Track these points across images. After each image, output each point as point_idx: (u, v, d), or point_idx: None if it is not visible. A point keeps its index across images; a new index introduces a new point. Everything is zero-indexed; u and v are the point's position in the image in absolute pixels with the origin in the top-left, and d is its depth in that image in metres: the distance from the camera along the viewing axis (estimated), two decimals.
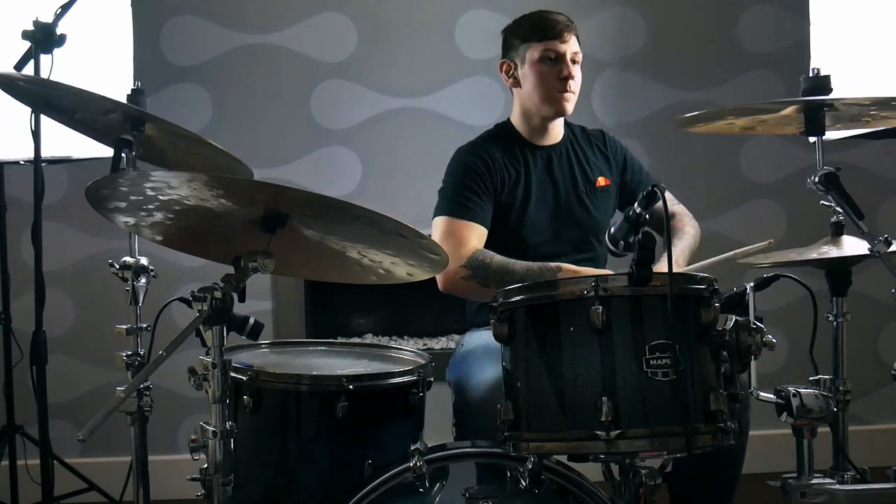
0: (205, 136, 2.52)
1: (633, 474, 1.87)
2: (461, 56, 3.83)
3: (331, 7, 3.81)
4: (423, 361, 2.26)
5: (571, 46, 2.65)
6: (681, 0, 3.94)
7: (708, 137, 3.85)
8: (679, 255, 2.61)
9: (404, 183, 3.78)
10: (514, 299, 1.88)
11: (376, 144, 3.83)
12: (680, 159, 3.89)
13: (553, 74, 2.63)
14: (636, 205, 1.90)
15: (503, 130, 2.76)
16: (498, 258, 2.49)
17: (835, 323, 2.37)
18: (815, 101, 2.16)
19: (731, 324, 1.87)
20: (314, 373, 2.21)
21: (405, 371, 2.18)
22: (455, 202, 2.61)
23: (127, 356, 2.53)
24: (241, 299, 1.84)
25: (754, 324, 1.86)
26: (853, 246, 2.30)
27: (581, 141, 2.80)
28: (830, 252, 2.31)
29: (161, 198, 1.86)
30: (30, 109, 2.58)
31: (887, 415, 3.96)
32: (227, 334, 1.85)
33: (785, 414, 1.95)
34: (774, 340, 1.88)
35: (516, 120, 2.74)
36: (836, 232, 2.37)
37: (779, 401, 1.95)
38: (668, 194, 2.65)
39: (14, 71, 2.50)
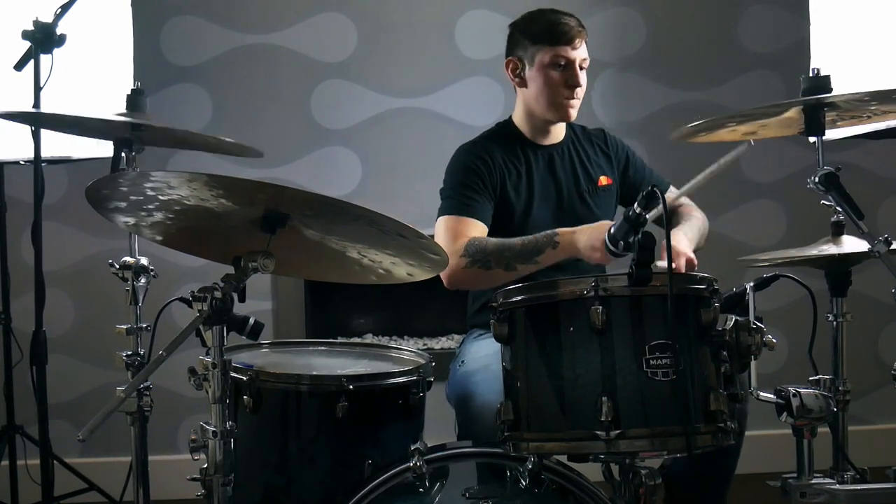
0: (205, 133, 2.52)
1: (632, 474, 1.87)
2: (461, 56, 3.83)
3: (331, 7, 3.81)
4: (423, 361, 2.26)
5: (581, 53, 2.62)
6: (681, 0, 3.94)
7: (709, 142, 3.85)
8: (687, 230, 2.60)
9: (404, 183, 3.78)
10: (514, 299, 1.88)
11: (376, 144, 3.83)
12: (680, 159, 3.86)
13: (561, 81, 2.61)
14: (636, 205, 1.90)
15: (504, 129, 2.76)
16: (494, 239, 2.49)
17: (835, 323, 2.37)
18: (816, 101, 2.16)
19: (731, 324, 1.87)
20: (314, 373, 2.21)
21: (405, 371, 2.18)
22: (456, 201, 2.61)
23: (127, 356, 2.54)
24: (241, 299, 1.84)
25: (754, 324, 1.87)
26: (853, 245, 2.30)
27: (582, 140, 2.79)
28: (830, 250, 2.31)
29: (161, 198, 1.86)
30: (30, 109, 2.59)
31: (887, 415, 3.95)
32: (227, 334, 1.85)
33: (785, 414, 1.95)
34: (774, 340, 1.88)
35: (519, 119, 2.74)
36: (836, 232, 2.37)
37: (779, 401, 1.95)
38: (672, 189, 2.65)
39: (9, 109, 2.50)
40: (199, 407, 1.98)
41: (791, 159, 3.80)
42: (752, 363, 1.89)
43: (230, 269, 1.85)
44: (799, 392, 1.94)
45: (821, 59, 3.60)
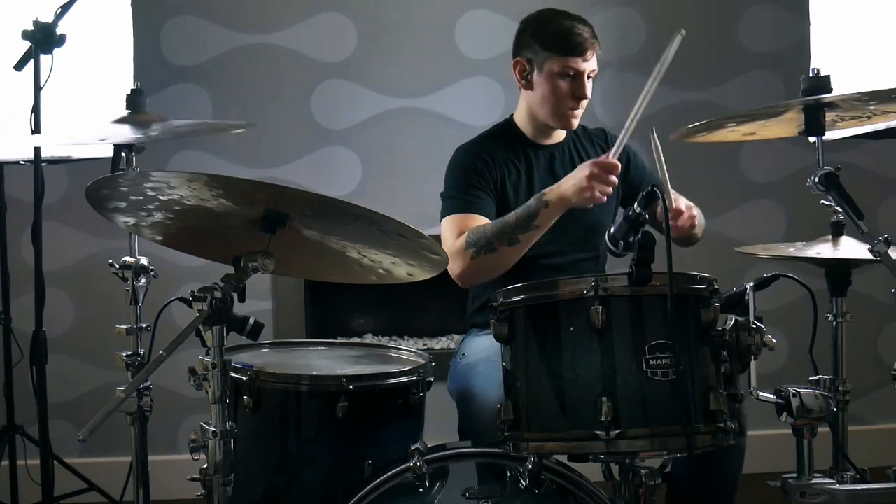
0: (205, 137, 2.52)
1: (633, 474, 1.87)
2: (461, 56, 3.83)
3: (331, 7, 3.81)
4: (423, 361, 2.26)
5: (591, 64, 2.60)
6: (681, 0, 3.94)
7: (709, 142, 3.85)
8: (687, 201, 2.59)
9: (404, 183, 3.77)
10: (514, 299, 1.88)
11: (376, 144, 3.83)
12: (680, 159, 3.85)
13: (568, 92, 2.58)
14: (636, 204, 1.90)
15: (505, 129, 2.75)
16: (489, 223, 2.49)
17: (834, 323, 2.37)
18: (815, 101, 2.16)
19: (731, 324, 1.87)
20: (314, 373, 2.21)
21: (405, 371, 2.18)
22: (458, 200, 2.60)
23: (127, 356, 2.54)
24: (241, 299, 1.84)
25: (754, 324, 1.87)
26: (853, 249, 2.30)
27: (584, 140, 2.79)
28: (829, 252, 2.31)
29: (161, 198, 1.86)
30: (30, 109, 2.59)
31: (887, 415, 3.95)
32: (227, 334, 1.85)
33: (785, 414, 1.95)
34: (774, 340, 1.88)
35: (521, 119, 2.73)
36: (836, 232, 2.37)
37: (779, 401, 1.95)
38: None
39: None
40: (199, 407, 1.98)
41: (791, 159, 3.79)
42: (752, 363, 1.89)
43: (230, 269, 1.85)
44: (799, 392, 1.94)
45: (821, 59, 3.61)
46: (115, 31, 3.51)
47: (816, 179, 2.11)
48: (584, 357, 1.79)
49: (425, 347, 3.85)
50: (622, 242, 1.93)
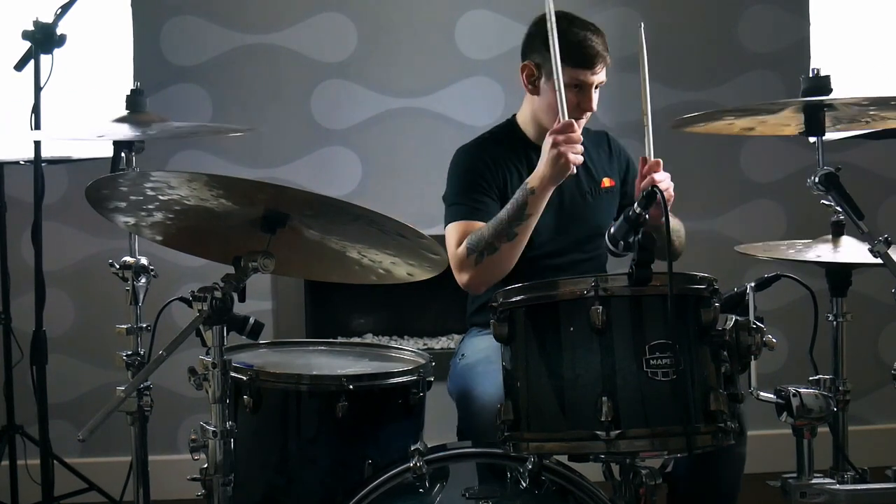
0: (205, 124, 2.51)
1: (633, 474, 1.87)
2: (461, 56, 3.82)
3: (331, 7, 3.81)
4: (423, 361, 2.25)
5: (600, 76, 2.59)
6: (681, 0, 3.94)
7: (708, 137, 3.82)
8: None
9: (404, 183, 3.77)
10: (514, 299, 1.88)
11: (376, 144, 3.83)
12: (680, 159, 3.86)
13: (574, 102, 2.55)
14: (636, 205, 1.90)
15: (507, 130, 2.73)
16: (483, 224, 2.49)
17: (835, 323, 2.37)
18: (815, 102, 2.16)
19: (731, 324, 1.87)
20: (314, 373, 2.21)
21: (405, 371, 2.18)
22: (462, 206, 2.59)
23: (127, 356, 2.54)
24: (241, 299, 1.84)
25: (754, 324, 1.86)
26: (853, 249, 2.30)
27: (586, 142, 2.76)
28: (829, 255, 2.32)
29: (161, 198, 1.86)
30: (30, 109, 2.59)
31: (887, 415, 3.96)
32: (227, 334, 1.85)
33: (785, 414, 1.95)
34: (774, 340, 1.88)
35: (524, 120, 2.71)
36: (836, 232, 2.37)
37: (779, 401, 1.95)
38: None
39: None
40: (199, 407, 1.98)
41: (791, 159, 3.80)
42: (752, 363, 1.89)
43: (230, 269, 1.85)
44: (799, 392, 1.94)
45: (821, 59, 3.61)
46: (115, 31, 3.51)
47: (816, 179, 2.11)
48: (584, 357, 1.79)
49: (425, 347, 3.84)
50: (622, 242, 1.93)
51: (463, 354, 2.63)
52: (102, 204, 1.95)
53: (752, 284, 1.96)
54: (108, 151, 2.53)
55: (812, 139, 2.24)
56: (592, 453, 1.84)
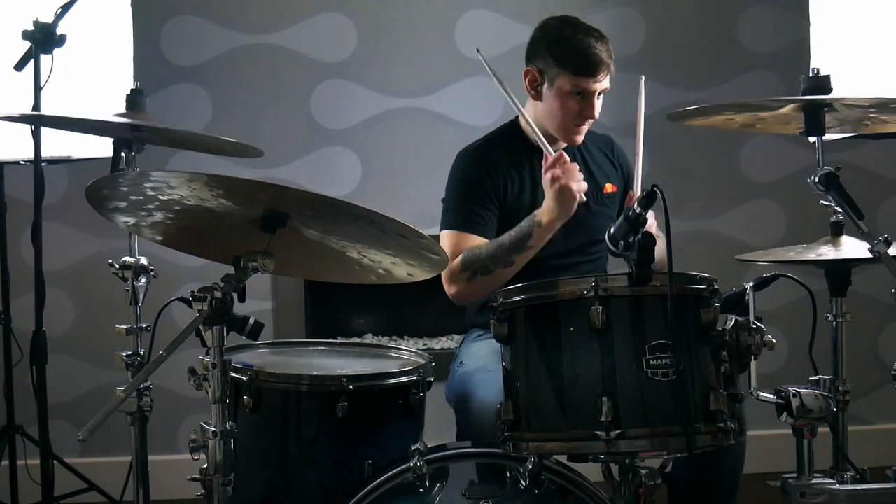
0: (204, 133, 2.52)
1: (632, 474, 1.87)
2: (461, 56, 3.82)
3: (331, 7, 3.81)
4: (423, 361, 2.25)
5: (604, 84, 2.58)
6: (681, 0, 3.94)
7: (708, 137, 3.85)
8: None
9: (404, 183, 3.78)
10: (514, 299, 1.88)
11: (376, 144, 3.83)
12: (680, 159, 3.89)
13: (576, 110, 2.56)
14: (636, 205, 1.90)
15: (510, 132, 2.72)
16: (484, 244, 2.50)
17: (834, 323, 2.37)
18: (815, 101, 2.16)
19: (731, 324, 1.87)
20: (314, 373, 2.21)
21: (405, 371, 2.18)
22: (458, 215, 2.59)
23: (127, 356, 2.54)
24: (241, 299, 1.84)
25: (754, 324, 1.86)
26: (853, 248, 2.30)
27: (589, 146, 2.76)
28: (829, 254, 2.31)
29: (161, 198, 1.86)
30: (30, 109, 2.58)
31: (887, 415, 3.96)
32: (227, 334, 1.85)
33: (785, 414, 1.95)
34: (774, 340, 1.88)
35: (526, 124, 2.71)
36: (836, 232, 2.37)
37: (779, 401, 1.95)
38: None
39: (9, 112, 2.50)
40: (199, 407, 1.98)
41: (791, 159, 3.79)
42: (752, 363, 1.89)
43: (230, 269, 1.85)
44: (799, 392, 1.94)
45: (821, 59, 3.61)
46: (115, 31, 3.51)
47: (816, 179, 2.11)
48: (584, 357, 1.79)
49: (425, 347, 3.85)
50: (622, 242, 1.93)
51: (462, 362, 2.61)
52: (102, 204, 1.95)
53: (752, 284, 1.96)
54: (109, 151, 2.53)
55: (812, 139, 2.24)
56: (592, 453, 1.84)
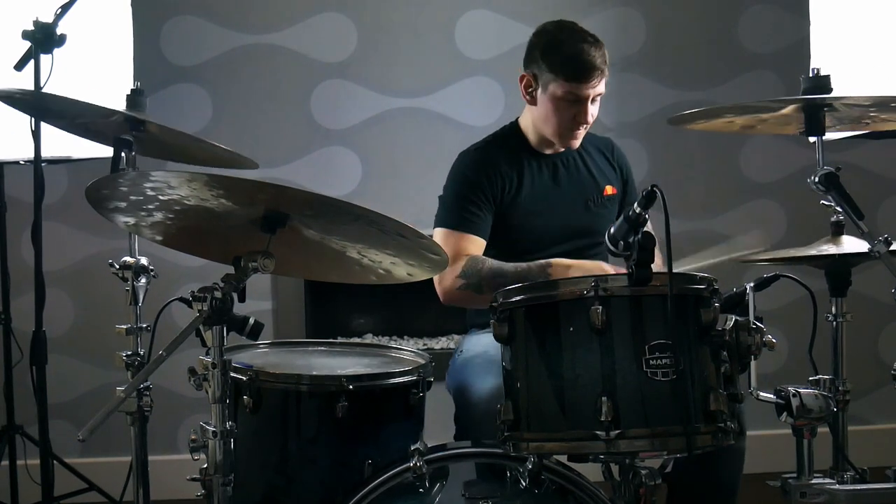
0: (205, 137, 2.52)
1: (633, 474, 1.87)
2: (461, 56, 3.82)
3: (331, 7, 3.81)
4: (423, 361, 2.26)
5: (597, 89, 2.56)
6: (681, 0, 3.94)
7: (708, 137, 3.85)
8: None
9: (404, 183, 3.78)
10: (514, 299, 1.88)
11: (376, 144, 3.83)
12: (680, 159, 3.89)
13: (570, 115, 2.56)
14: (636, 205, 1.90)
15: (510, 134, 2.72)
16: (490, 262, 2.51)
17: (834, 323, 2.37)
18: (815, 101, 2.16)
19: (731, 324, 1.87)
20: (314, 373, 2.21)
21: (405, 371, 2.18)
22: (455, 214, 2.60)
23: (127, 356, 2.54)
24: (241, 299, 1.84)
25: (754, 324, 1.86)
26: (853, 245, 2.30)
27: (589, 148, 2.76)
28: (830, 251, 2.31)
29: (161, 198, 1.86)
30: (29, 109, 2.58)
31: (887, 415, 3.95)
32: (227, 334, 1.85)
33: (785, 414, 1.95)
34: (774, 340, 1.88)
35: (526, 126, 2.70)
36: (836, 232, 2.37)
37: (779, 401, 1.95)
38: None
39: (10, 87, 2.49)
40: (199, 407, 1.98)
41: (791, 159, 3.79)
42: (752, 363, 1.89)
43: (230, 269, 1.85)
44: (799, 392, 1.94)
45: (821, 59, 3.61)
46: (115, 31, 3.51)
47: (816, 179, 2.11)
48: (584, 357, 1.79)
49: (425, 347, 3.85)
50: (622, 242, 1.93)
51: (461, 350, 2.65)
52: (102, 204, 1.95)
53: (752, 284, 1.96)
54: (108, 151, 2.53)
55: (812, 139, 2.24)
56: (592, 453, 1.84)
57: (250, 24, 3.80)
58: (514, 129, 2.74)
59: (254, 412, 2.11)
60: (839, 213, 2.23)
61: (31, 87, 2.54)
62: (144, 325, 2.55)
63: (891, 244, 2.06)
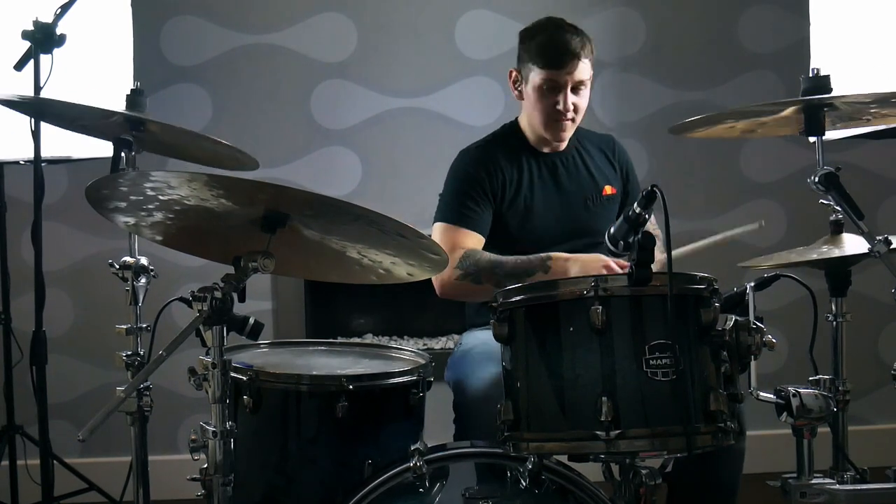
0: (201, 148, 2.51)
1: (633, 474, 1.87)
2: (461, 56, 3.83)
3: (331, 7, 3.81)
4: (423, 361, 2.26)
5: (576, 75, 2.56)
6: (681, 0, 3.94)
7: (708, 137, 3.85)
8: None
9: (404, 183, 3.78)
10: (513, 299, 1.88)
11: (376, 144, 3.83)
12: (680, 159, 3.89)
13: (551, 104, 2.58)
14: (636, 205, 1.90)
15: (510, 133, 2.74)
16: (488, 255, 2.51)
17: (834, 323, 2.37)
18: (815, 101, 2.16)
19: (731, 324, 1.87)
20: (314, 373, 2.21)
21: (405, 371, 2.18)
22: (454, 209, 2.61)
23: (127, 356, 2.54)
24: (241, 299, 1.84)
25: (754, 324, 1.86)
26: (853, 245, 2.30)
27: (589, 147, 2.77)
28: (832, 252, 2.31)
29: (161, 198, 1.86)
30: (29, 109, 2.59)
31: (887, 415, 3.95)
32: (227, 334, 1.85)
33: (785, 414, 1.95)
34: (774, 340, 1.88)
35: (524, 124, 2.72)
36: (836, 231, 2.37)
37: (779, 401, 1.95)
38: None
39: (10, 94, 2.49)
40: (199, 407, 1.98)
41: (791, 159, 3.79)
42: (752, 363, 1.89)
43: (230, 269, 1.85)
44: (799, 392, 1.94)
45: (821, 59, 3.60)
46: (115, 31, 3.50)
47: (816, 179, 2.11)
48: (584, 357, 1.79)
49: (425, 347, 3.85)
50: (622, 242, 1.93)
51: (460, 344, 2.66)
52: (102, 204, 1.95)
53: (752, 284, 1.96)
54: (109, 151, 2.53)
55: (812, 139, 2.24)
56: (592, 453, 1.84)
57: (250, 24, 3.80)
58: (513, 128, 2.75)
59: (254, 412, 2.11)
60: (839, 212, 2.23)
61: (30, 86, 2.55)
62: (144, 325, 2.55)
63: (891, 244, 2.05)
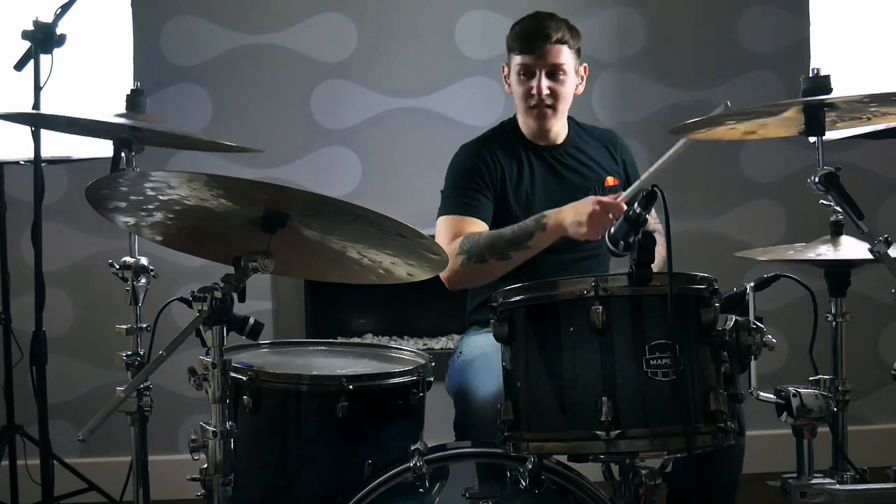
0: (205, 136, 2.51)
1: (633, 474, 1.87)
2: (461, 56, 3.83)
3: (331, 7, 3.81)
4: (423, 361, 2.26)
5: (548, 59, 2.58)
6: (681, 0, 3.94)
7: (708, 139, 3.84)
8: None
9: (404, 183, 3.78)
10: (513, 299, 1.88)
11: (376, 144, 3.83)
12: (680, 159, 3.88)
13: (526, 90, 2.61)
14: (636, 205, 1.90)
15: (507, 129, 2.76)
16: (486, 232, 2.51)
17: (834, 323, 2.37)
18: (815, 101, 2.16)
19: (731, 324, 1.87)
20: (314, 373, 2.21)
21: (405, 371, 2.18)
22: (455, 201, 2.62)
23: (127, 356, 2.53)
24: (241, 299, 1.84)
25: (754, 324, 1.86)
26: (853, 249, 2.30)
27: (589, 140, 2.78)
28: (829, 254, 2.31)
29: (161, 198, 1.86)
30: (30, 109, 2.58)
31: (887, 415, 3.95)
32: (227, 334, 1.85)
33: (785, 414, 1.95)
34: (774, 340, 1.88)
35: (520, 119, 2.74)
36: (836, 231, 2.37)
37: (779, 401, 1.95)
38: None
39: (9, 110, 2.50)
40: (199, 407, 1.98)
41: (791, 159, 3.79)
42: (752, 363, 1.89)
43: (230, 269, 1.85)
44: (799, 392, 1.94)
45: (821, 59, 3.61)
46: (115, 31, 3.51)
47: (816, 179, 2.10)
48: (584, 357, 1.79)
49: (425, 347, 3.85)
50: (622, 242, 1.93)
51: (461, 352, 2.64)
52: (102, 204, 1.95)
53: (752, 284, 1.96)
54: (109, 151, 2.53)
55: (812, 139, 2.23)
56: (592, 453, 1.84)
57: (250, 24, 3.80)
58: (512, 123, 2.77)
59: (254, 412, 2.11)
60: (839, 212, 2.23)
61: (30, 86, 2.55)
62: (144, 325, 2.55)
63: (891, 244, 2.05)
